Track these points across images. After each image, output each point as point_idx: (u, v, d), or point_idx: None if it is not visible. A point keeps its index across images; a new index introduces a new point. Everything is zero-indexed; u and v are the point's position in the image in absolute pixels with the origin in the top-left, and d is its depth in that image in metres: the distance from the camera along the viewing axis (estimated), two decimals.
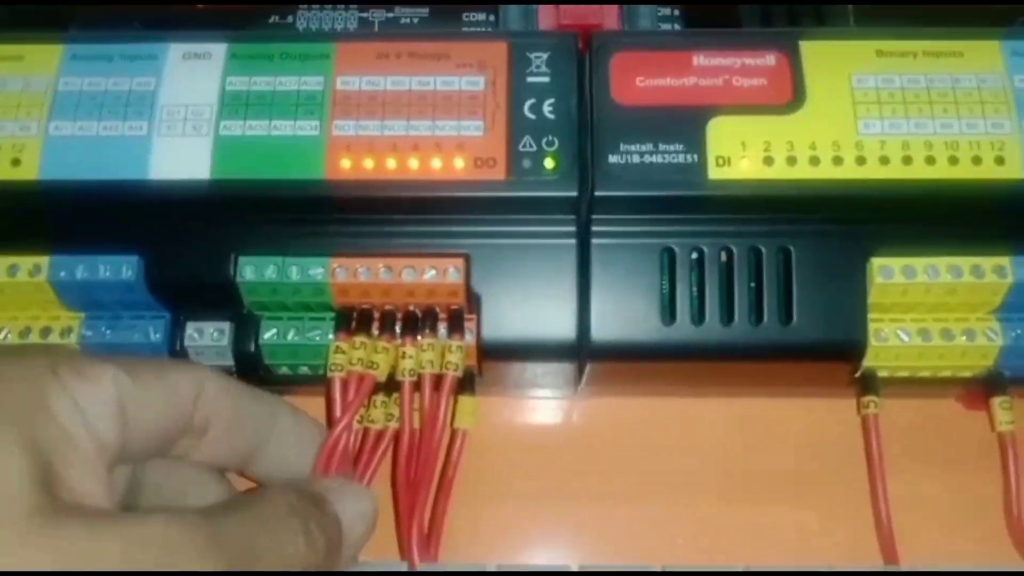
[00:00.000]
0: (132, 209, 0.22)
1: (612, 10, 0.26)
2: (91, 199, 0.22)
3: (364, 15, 0.28)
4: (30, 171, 0.22)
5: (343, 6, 0.28)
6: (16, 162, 0.22)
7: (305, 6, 0.28)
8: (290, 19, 0.28)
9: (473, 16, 0.27)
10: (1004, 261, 0.22)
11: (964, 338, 0.23)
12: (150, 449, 0.19)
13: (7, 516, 0.14)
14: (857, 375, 0.24)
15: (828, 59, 0.23)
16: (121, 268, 0.22)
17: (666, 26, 0.27)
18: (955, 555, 0.23)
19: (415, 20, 0.28)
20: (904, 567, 0.23)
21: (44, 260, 0.22)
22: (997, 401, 0.24)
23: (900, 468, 0.24)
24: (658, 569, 0.22)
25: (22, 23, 0.26)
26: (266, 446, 0.22)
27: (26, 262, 0.22)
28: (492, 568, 0.22)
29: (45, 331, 0.23)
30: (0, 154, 0.22)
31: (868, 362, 0.23)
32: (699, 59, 0.23)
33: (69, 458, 0.16)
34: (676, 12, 0.27)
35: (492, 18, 0.27)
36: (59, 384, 0.17)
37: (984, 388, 0.24)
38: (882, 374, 0.24)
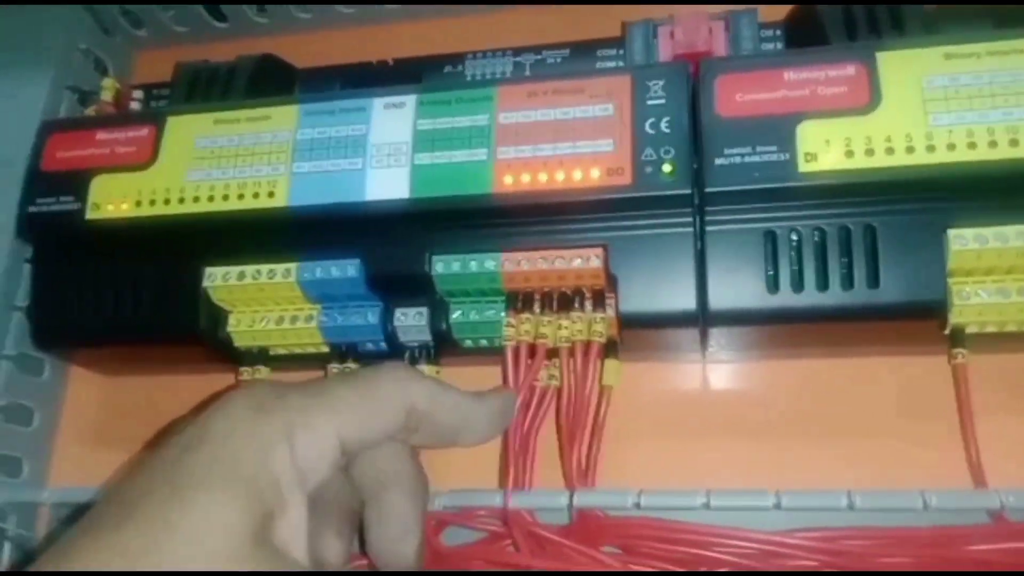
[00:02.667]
0: (354, 224, 0.30)
1: (719, 36, 0.31)
2: (325, 218, 0.30)
3: (518, 59, 0.34)
4: (281, 200, 0.30)
5: (501, 53, 0.35)
6: (271, 194, 0.30)
7: (471, 55, 0.35)
8: (460, 67, 0.35)
9: (605, 52, 0.33)
10: None
11: None
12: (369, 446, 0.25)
13: (233, 552, 0.20)
14: (947, 332, 0.28)
15: (902, 65, 0.27)
16: (347, 269, 0.30)
17: (768, 45, 0.32)
18: None
19: (559, 60, 0.34)
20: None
21: (293, 266, 0.30)
22: None
23: (989, 411, 0.28)
24: (772, 496, 0.27)
25: (260, 90, 0.34)
26: (463, 431, 0.27)
27: (280, 268, 0.30)
28: (634, 494, 0.28)
29: (293, 319, 0.31)
30: (260, 189, 0.30)
31: (955, 319, 0.27)
32: (788, 75, 0.28)
33: (282, 516, 0.21)
34: (778, 32, 0.32)
35: (621, 51, 0.33)
36: (287, 449, 0.22)
37: None
38: (971, 330, 0.28)
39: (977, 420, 0.27)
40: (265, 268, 0.31)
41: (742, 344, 0.30)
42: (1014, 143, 0.25)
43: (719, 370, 0.32)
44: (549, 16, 0.37)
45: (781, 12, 0.33)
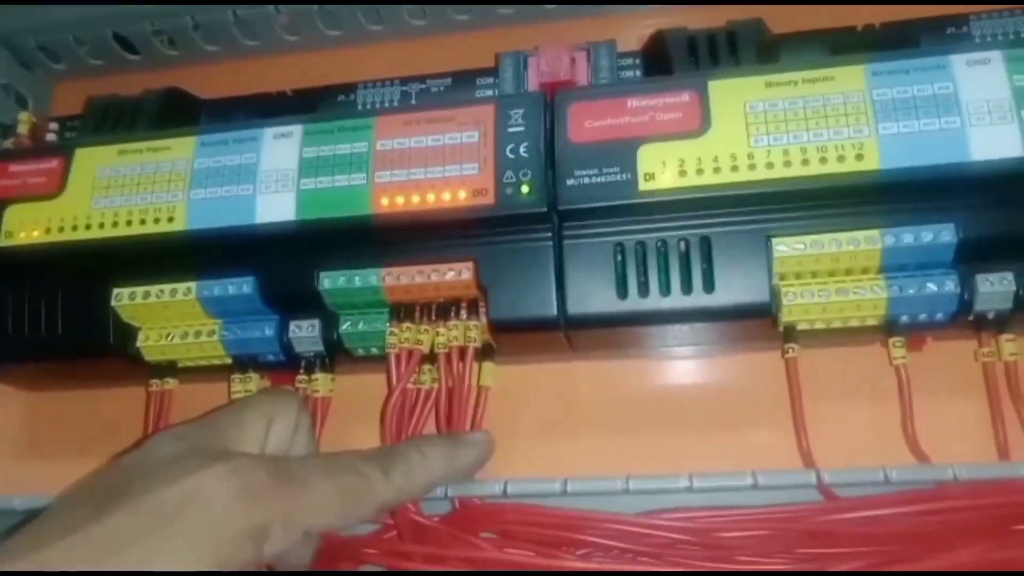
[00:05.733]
0: (247, 245, 0.32)
1: (582, 65, 0.35)
2: (220, 240, 0.32)
3: (405, 88, 0.37)
4: (180, 224, 0.33)
5: (390, 82, 0.37)
6: (171, 219, 0.33)
7: (363, 85, 0.38)
8: (352, 96, 0.38)
9: (483, 80, 0.36)
10: (875, 233, 0.29)
11: (856, 294, 0.30)
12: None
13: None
14: (780, 329, 0.31)
15: (729, 93, 0.30)
16: (242, 286, 0.33)
17: (628, 72, 0.35)
18: (865, 460, 0.30)
19: (442, 88, 0.37)
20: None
21: (193, 284, 0.33)
22: (891, 341, 0.30)
23: (818, 398, 0.31)
24: (622, 481, 0.30)
25: (165, 121, 0.37)
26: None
27: (181, 286, 0.33)
28: (500, 483, 0.31)
29: (197, 333, 0.34)
30: (160, 214, 0.33)
31: (785, 318, 0.30)
32: (631, 103, 0.31)
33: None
34: (636, 60, 0.35)
35: (495, 80, 0.36)
36: (258, 541, 0.26)
37: (885, 332, 0.31)
38: (802, 327, 0.31)
39: (807, 407, 0.31)
40: (168, 287, 0.33)
41: (601, 344, 0.33)
42: (823, 160, 0.29)
43: (584, 368, 0.35)
44: (436, 47, 0.40)
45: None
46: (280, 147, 0.33)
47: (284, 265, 0.32)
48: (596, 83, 0.34)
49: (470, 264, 0.31)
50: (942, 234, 0.29)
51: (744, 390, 0.33)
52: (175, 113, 0.38)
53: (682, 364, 0.34)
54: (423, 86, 0.37)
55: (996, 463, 0.29)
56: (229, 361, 0.34)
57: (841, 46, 0.34)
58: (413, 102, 0.37)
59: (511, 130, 0.31)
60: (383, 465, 0.29)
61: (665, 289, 0.30)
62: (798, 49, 0.34)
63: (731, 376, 0.34)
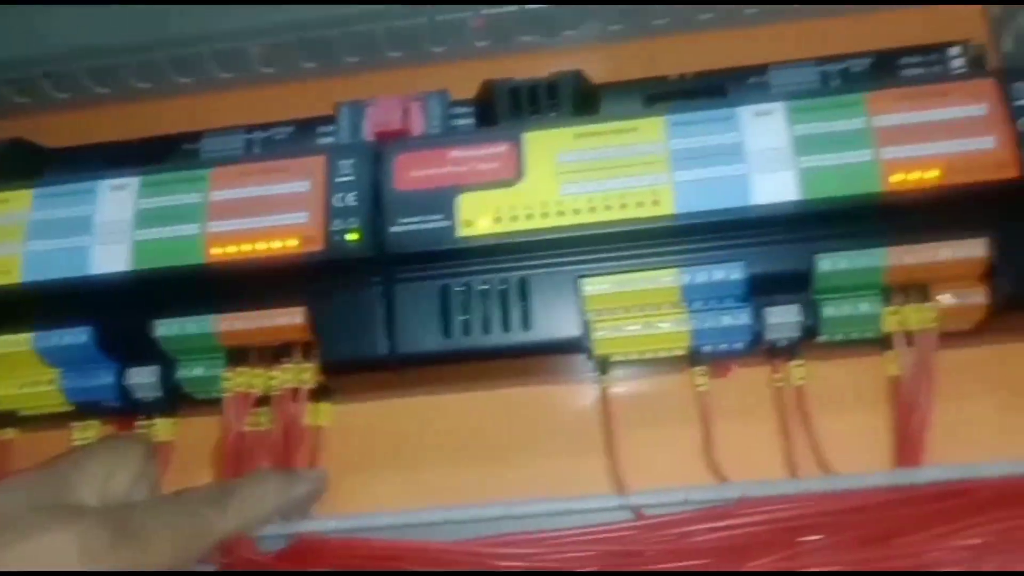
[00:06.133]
0: (84, 295, 0.33)
1: (417, 115, 0.36)
2: (58, 291, 0.33)
3: (249, 136, 0.38)
4: (16, 277, 0.33)
5: (234, 130, 0.39)
6: (8, 272, 0.33)
7: (208, 134, 0.39)
8: (197, 144, 0.39)
9: (323, 129, 0.38)
10: (672, 272, 0.31)
11: (660, 328, 0.32)
12: None
13: None
14: (596, 362, 0.33)
15: (542, 144, 0.32)
16: (79, 336, 0.33)
17: (463, 120, 0.37)
18: (674, 481, 0.32)
19: (284, 136, 0.38)
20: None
21: (27, 336, 0.33)
22: (694, 369, 0.33)
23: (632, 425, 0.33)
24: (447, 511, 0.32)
25: (9, 172, 0.37)
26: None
27: (17, 338, 0.34)
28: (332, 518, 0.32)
29: (34, 382, 0.34)
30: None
31: (598, 351, 0.33)
32: (452, 153, 0.33)
33: None
34: (469, 109, 0.37)
35: (330, 129, 0.37)
36: None
37: (691, 361, 0.33)
38: (617, 358, 0.33)
39: (622, 433, 0.33)
40: (2, 339, 0.34)
41: (433, 381, 0.35)
42: (624, 206, 0.31)
43: (421, 404, 0.36)
44: (282, 95, 0.41)
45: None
46: (116, 199, 0.34)
47: (120, 314, 0.33)
48: (428, 132, 0.36)
49: (302, 309, 0.33)
50: (733, 272, 0.31)
51: (567, 420, 0.35)
52: (19, 163, 0.38)
53: (509, 397, 0.36)
54: (266, 134, 0.38)
55: (787, 480, 0.31)
56: (70, 408, 0.35)
57: (654, 95, 0.36)
58: (256, 150, 0.38)
59: (340, 180, 0.33)
60: (220, 500, 0.30)
61: (487, 327, 0.32)
62: (616, 98, 0.37)
63: (554, 407, 0.36)
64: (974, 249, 0.30)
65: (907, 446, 0.31)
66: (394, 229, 0.32)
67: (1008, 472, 0.30)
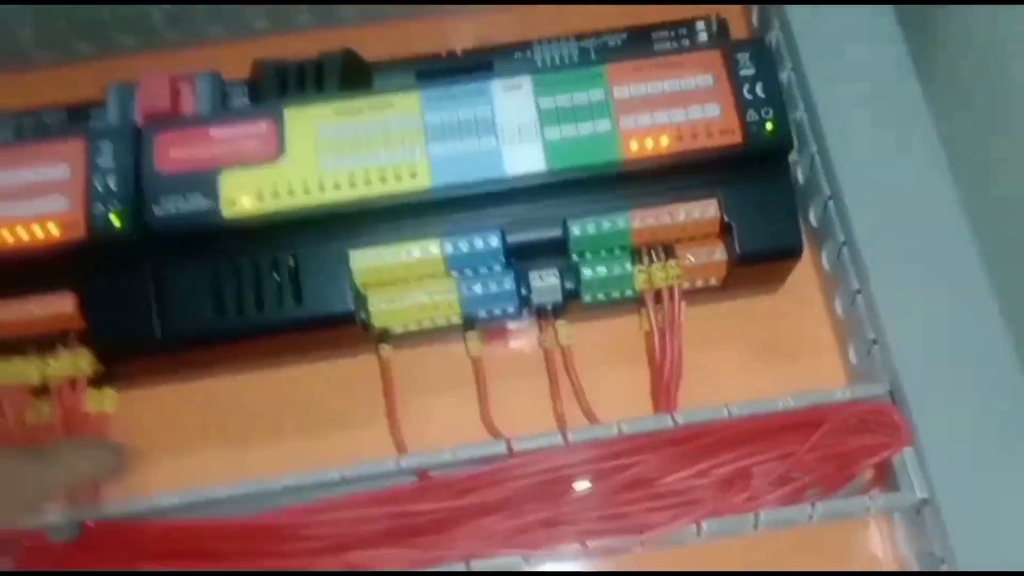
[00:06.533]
0: None
1: (188, 96, 0.36)
2: None
3: (18, 120, 0.38)
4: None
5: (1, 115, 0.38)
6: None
7: None
8: None
9: (96, 111, 0.37)
10: (435, 242, 0.33)
11: (429, 297, 0.33)
12: None
13: None
14: (375, 333, 0.34)
15: (302, 120, 0.33)
16: None
17: (238, 100, 0.37)
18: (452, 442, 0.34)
19: (56, 121, 0.37)
20: None
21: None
22: (467, 335, 0.34)
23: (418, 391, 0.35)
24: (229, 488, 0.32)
25: None
26: None
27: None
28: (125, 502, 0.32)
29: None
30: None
31: (377, 323, 0.34)
32: (214, 132, 0.33)
33: None
34: (244, 89, 0.38)
35: (104, 112, 0.37)
36: None
37: (468, 328, 0.35)
38: (396, 329, 0.34)
39: (406, 402, 0.34)
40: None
41: (213, 361, 0.35)
42: (383, 180, 0.32)
43: (210, 386, 0.36)
44: (57, 76, 0.40)
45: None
46: None
47: None
48: (199, 113, 0.36)
49: (71, 296, 0.33)
50: (490, 240, 0.33)
51: (352, 392, 0.36)
52: None
53: (296, 373, 0.37)
54: (37, 119, 0.37)
55: (554, 432, 0.33)
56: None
57: (425, 72, 0.37)
58: (27, 136, 0.37)
59: (100, 163, 0.33)
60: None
61: (260, 305, 0.33)
62: (388, 76, 0.37)
63: (339, 380, 0.37)
64: (707, 209, 0.33)
65: (662, 395, 0.34)
66: (157, 212, 0.32)
67: (749, 412, 0.33)
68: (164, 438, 0.36)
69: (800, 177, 0.37)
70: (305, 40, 0.39)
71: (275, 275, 0.33)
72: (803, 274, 0.37)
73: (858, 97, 0.36)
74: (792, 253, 0.34)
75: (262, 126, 0.33)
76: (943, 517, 0.30)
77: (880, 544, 0.34)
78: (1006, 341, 0.32)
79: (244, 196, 0.32)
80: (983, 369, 0.32)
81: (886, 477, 0.32)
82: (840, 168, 0.35)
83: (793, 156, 0.36)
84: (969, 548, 0.29)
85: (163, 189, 0.32)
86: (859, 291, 0.34)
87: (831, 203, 0.35)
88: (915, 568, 0.32)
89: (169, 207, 0.32)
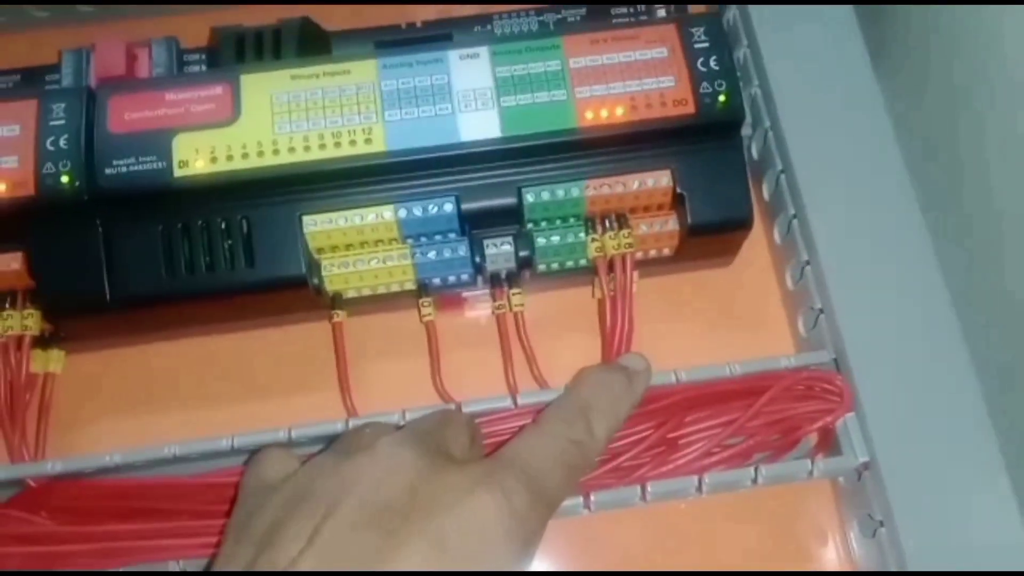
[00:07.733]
0: None
1: (144, 61, 0.36)
2: None
3: None
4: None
5: None
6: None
7: None
8: None
9: (52, 76, 0.37)
10: (389, 208, 0.33)
11: (383, 262, 0.34)
12: None
13: None
14: (327, 298, 0.34)
15: (258, 84, 0.33)
16: None
17: (194, 67, 0.37)
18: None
19: (10, 85, 0.37)
20: None
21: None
22: (420, 301, 0.35)
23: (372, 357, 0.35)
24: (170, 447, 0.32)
25: None
26: None
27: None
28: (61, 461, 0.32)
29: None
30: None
31: (331, 287, 0.34)
32: (168, 95, 0.33)
33: None
34: (203, 56, 0.37)
35: (57, 76, 0.37)
36: None
37: (422, 294, 0.35)
38: (350, 295, 0.35)
39: (358, 367, 0.34)
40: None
41: (164, 324, 0.35)
42: (338, 144, 0.32)
43: (159, 348, 0.36)
44: (12, 42, 0.40)
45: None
46: None
47: None
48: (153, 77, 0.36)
49: (19, 254, 0.32)
50: (444, 206, 0.33)
51: (300, 357, 0.36)
52: None
53: (250, 337, 0.37)
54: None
55: (503, 395, 0.33)
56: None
57: (384, 42, 0.38)
58: None
59: (52, 123, 0.32)
60: (579, 421, 0.29)
61: (212, 267, 0.33)
62: (347, 45, 0.38)
63: (289, 345, 0.37)
64: (661, 180, 0.34)
65: (612, 361, 0.34)
66: (108, 171, 0.32)
67: (696, 378, 0.33)
68: (113, 401, 0.36)
69: (754, 153, 0.38)
70: (266, 13, 0.39)
71: (227, 237, 0.33)
72: (756, 248, 0.37)
73: (811, 75, 0.36)
74: (743, 224, 0.34)
75: (218, 90, 0.33)
76: (883, 480, 0.30)
77: (822, 508, 0.35)
78: (949, 312, 0.33)
79: (197, 158, 0.32)
80: (926, 338, 0.32)
81: (830, 443, 0.33)
82: (792, 143, 0.35)
83: (747, 132, 0.37)
84: (908, 510, 0.30)
85: (115, 150, 0.32)
86: (808, 262, 0.34)
87: (783, 177, 0.35)
88: (856, 531, 0.33)
89: (121, 167, 0.32)
